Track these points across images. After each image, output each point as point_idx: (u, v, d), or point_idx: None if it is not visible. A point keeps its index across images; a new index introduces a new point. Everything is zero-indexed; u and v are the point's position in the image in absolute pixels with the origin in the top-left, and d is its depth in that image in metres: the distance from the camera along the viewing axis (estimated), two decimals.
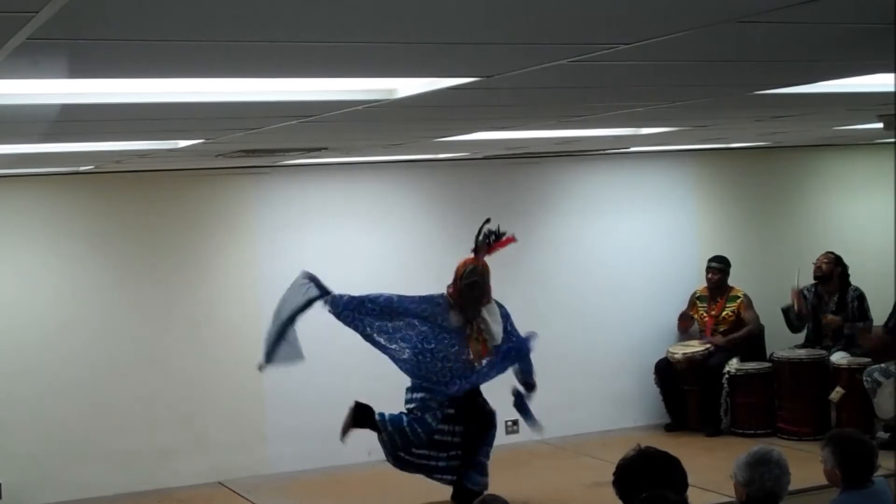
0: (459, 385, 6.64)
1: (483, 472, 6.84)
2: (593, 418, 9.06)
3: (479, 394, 6.88)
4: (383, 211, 8.60)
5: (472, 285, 6.65)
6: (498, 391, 7.05)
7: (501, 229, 6.69)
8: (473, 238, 6.70)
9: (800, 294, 8.93)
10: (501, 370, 6.77)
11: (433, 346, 6.62)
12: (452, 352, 6.62)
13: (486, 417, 6.87)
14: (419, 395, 6.75)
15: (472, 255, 6.73)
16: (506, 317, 6.83)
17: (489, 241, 6.69)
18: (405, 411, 6.78)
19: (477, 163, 8.66)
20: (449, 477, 6.88)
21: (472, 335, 6.68)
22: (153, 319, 7.97)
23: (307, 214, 8.35)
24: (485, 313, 6.72)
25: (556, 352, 8.80)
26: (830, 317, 8.85)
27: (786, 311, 9.01)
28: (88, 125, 4.36)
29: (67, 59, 2.69)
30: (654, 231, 9.45)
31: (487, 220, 6.68)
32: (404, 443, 6.75)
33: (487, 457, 6.89)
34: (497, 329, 6.71)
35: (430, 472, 6.89)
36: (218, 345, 8.12)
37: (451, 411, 6.75)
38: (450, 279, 6.80)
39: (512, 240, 6.74)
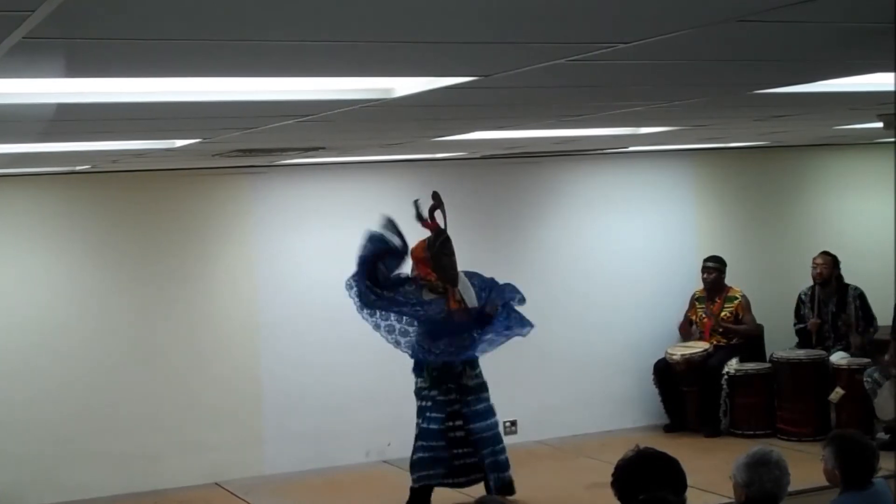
0: (455, 354, 6.66)
1: (495, 468, 6.80)
2: (592, 419, 9.05)
3: (481, 391, 6.85)
4: (381, 210, 8.56)
5: (445, 243, 6.70)
6: (497, 391, 7.05)
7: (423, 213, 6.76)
8: (416, 220, 6.80)
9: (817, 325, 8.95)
10: (499, 331, 6.75)
11: (422, 316, 6.66)
12: (437, 314, 6.64)
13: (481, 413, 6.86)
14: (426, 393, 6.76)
15: (426, 236, 6.78)
16: (474, 275, 6.89)
17: (427, 212, 6.74)
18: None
19: (475, 162, 8.64)
20: (464, 479, 6.85)
21: (450, 297, 6.71)
22: (150, 319, 7.96)
23: (304, 214, 8.34)
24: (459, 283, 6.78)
25: (555, 352, 8.81)
26: (814, 321, 8.86)
27: (800, 331, 9.05)
28: (85, 125, 4.34)
29: (63, 58, 2.68)
30: (653, 231, 9.43)
31: (416, 201, 6.77)
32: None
33: (496, 454, 6.81)
34: (471, 294, 6.77)
35: (448, 474, 6.83)
36: (215, 345, 8.10)
37: (458, 407, 6.75)
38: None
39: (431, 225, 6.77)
